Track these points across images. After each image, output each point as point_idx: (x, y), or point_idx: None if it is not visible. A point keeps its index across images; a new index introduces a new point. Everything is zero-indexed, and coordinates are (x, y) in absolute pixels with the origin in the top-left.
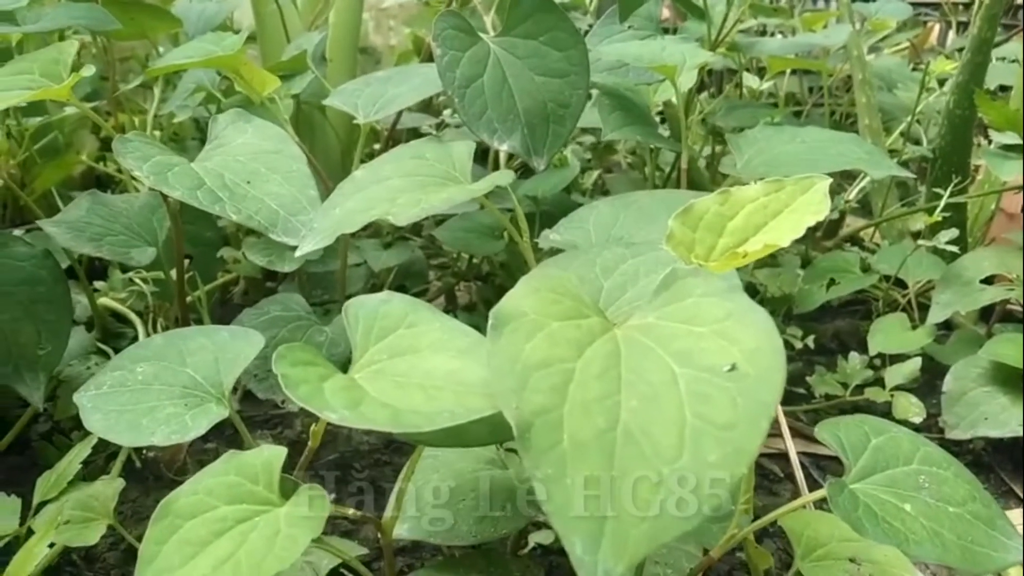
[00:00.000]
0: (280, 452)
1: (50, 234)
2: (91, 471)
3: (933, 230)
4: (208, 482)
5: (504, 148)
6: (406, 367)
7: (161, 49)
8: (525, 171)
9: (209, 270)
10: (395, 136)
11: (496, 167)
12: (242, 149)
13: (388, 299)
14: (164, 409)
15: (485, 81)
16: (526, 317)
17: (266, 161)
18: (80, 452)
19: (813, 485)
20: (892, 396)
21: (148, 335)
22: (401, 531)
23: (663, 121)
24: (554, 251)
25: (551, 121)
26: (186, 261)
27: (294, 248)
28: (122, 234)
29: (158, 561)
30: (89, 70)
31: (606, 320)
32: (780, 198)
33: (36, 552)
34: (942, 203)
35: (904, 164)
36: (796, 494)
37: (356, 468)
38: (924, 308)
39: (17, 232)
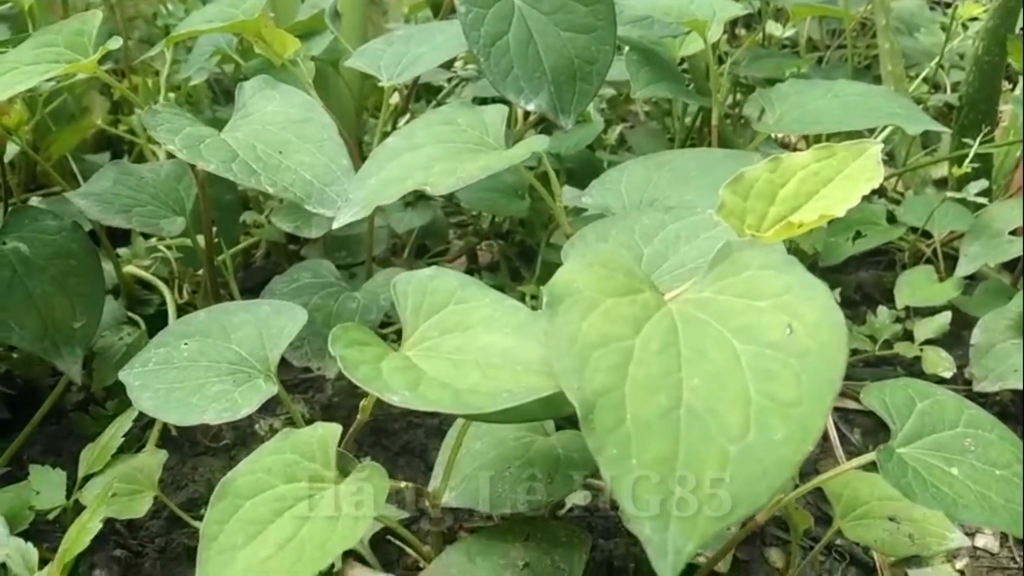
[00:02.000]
0: (335, 429)
1: (79, 207)
2: (127, 440)
3: (960, 181)
4: (265, 460)
5: (531, 108)
6: (459, 344)
7: (170, 7)
8: (546, 127)
9: (231, 233)
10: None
11: (514, 123)
12: (272, 118)
13: (436, 275)
14: (212, 386)
15: (510, 39)
16: (581, 294)
17: (296, 130)
18: (122, 425)
19: (843, 440)
20: (921, 351)
21: (175, 302)
22: (449, 499)
23: (685, 71)
24: (579, 211)
25: (578, 78)
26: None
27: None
28: (150, 204)
29: (220, 540)
30: (116, 42)
31: (659, 294)
32: (832, 164)
33: (90, 528)
34: (971, 153)
35: (926, 111)
36: (827, 449)
37: (390, 431)
38: (949, 257)
39: (36, 199)
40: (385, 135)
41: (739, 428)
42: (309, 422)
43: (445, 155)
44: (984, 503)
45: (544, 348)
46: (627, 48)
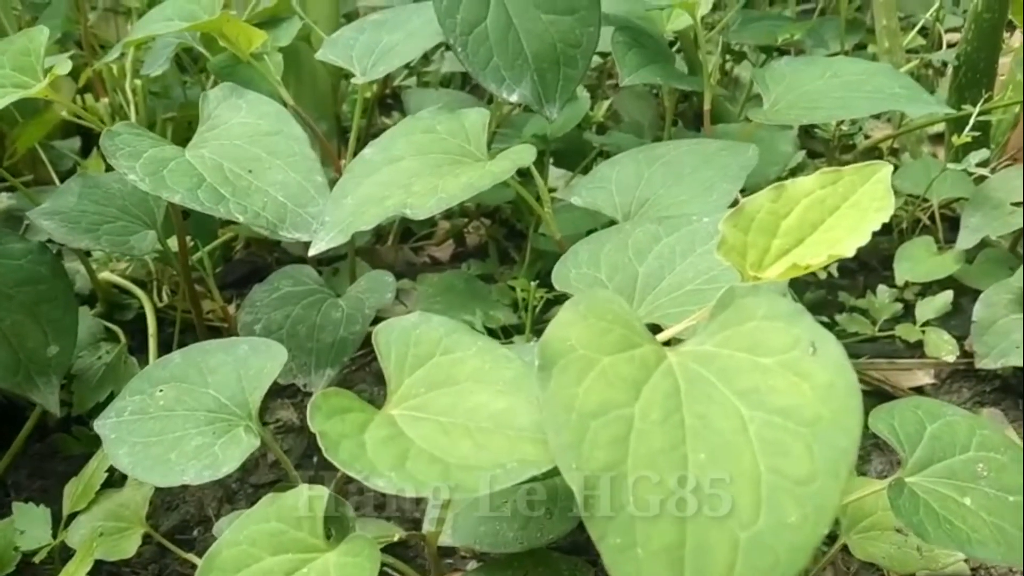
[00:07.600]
0: (322, 493)
1: (44, 228)
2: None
3: (959, 150)
4: (250, 530)
5: (514, 99)
6: (448, 403)
7: None
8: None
9: (205, 228)
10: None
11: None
12: (239, 131)
13: (420, 322)
14: (191, 440)
15: (489, 25)
16: (575, 353)
17: (266, 144)
18: (104, 459)
19: None
20: (923, 332)
21: (154, 306)
22: (445, 538)
23: (673, 44)
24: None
25: (562, 64)
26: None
27: None
28: (119, 219)
29: None
30: (65, 67)
31: (659, 346)
32: (837, 191)
33: None
34: (972, 120)
35: (923, 68)
36: None
37: None
38: (946, 219)
39: (4, 196)
40: (360, 137)
41: (749, 511)
42: (299, 430)
43: (425, 169)
44: (1000, 537)
45: (538, 409)
46: (612, 29)
